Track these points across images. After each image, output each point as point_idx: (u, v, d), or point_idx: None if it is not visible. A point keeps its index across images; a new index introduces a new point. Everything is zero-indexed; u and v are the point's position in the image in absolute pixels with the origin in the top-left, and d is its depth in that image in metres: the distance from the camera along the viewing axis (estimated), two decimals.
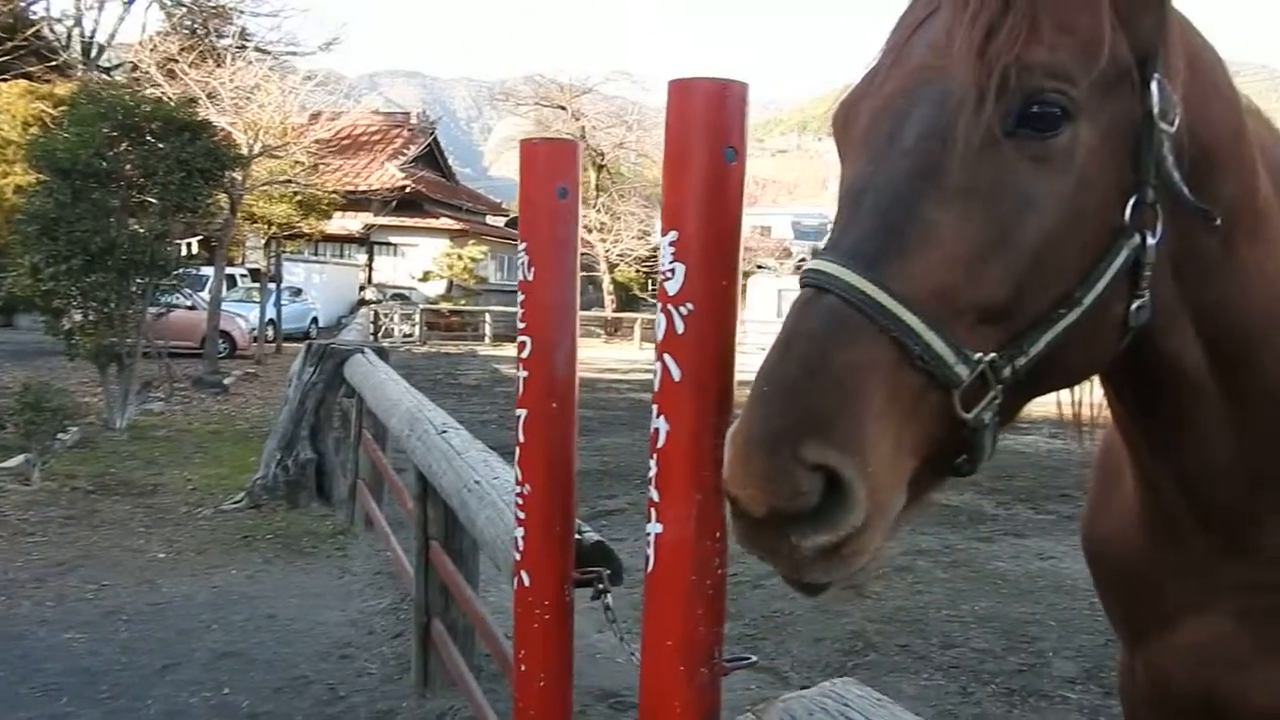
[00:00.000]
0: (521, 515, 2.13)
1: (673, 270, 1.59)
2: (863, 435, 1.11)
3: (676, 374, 1.60)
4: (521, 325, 2.10)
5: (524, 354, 2.09)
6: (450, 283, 37.95)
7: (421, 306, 34.44)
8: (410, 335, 32.21)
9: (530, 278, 2.07)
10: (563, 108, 43.15)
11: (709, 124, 1.57)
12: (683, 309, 1.59)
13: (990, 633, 5.91)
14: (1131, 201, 1.28)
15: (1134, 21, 1.29)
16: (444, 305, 35.69)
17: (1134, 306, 1.31)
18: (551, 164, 2.07)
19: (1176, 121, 1.31)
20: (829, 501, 1.10)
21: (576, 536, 2.26)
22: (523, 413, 2.11)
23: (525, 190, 2.08)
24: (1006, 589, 6.77)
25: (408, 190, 37.90)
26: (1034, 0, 1.24)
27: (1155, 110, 1.28)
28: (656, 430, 1.63)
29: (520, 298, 2.11)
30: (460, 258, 37.95)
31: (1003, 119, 1.21)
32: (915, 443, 1.18)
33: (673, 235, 1.60)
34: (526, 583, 2.13)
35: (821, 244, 1.38)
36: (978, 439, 1.22)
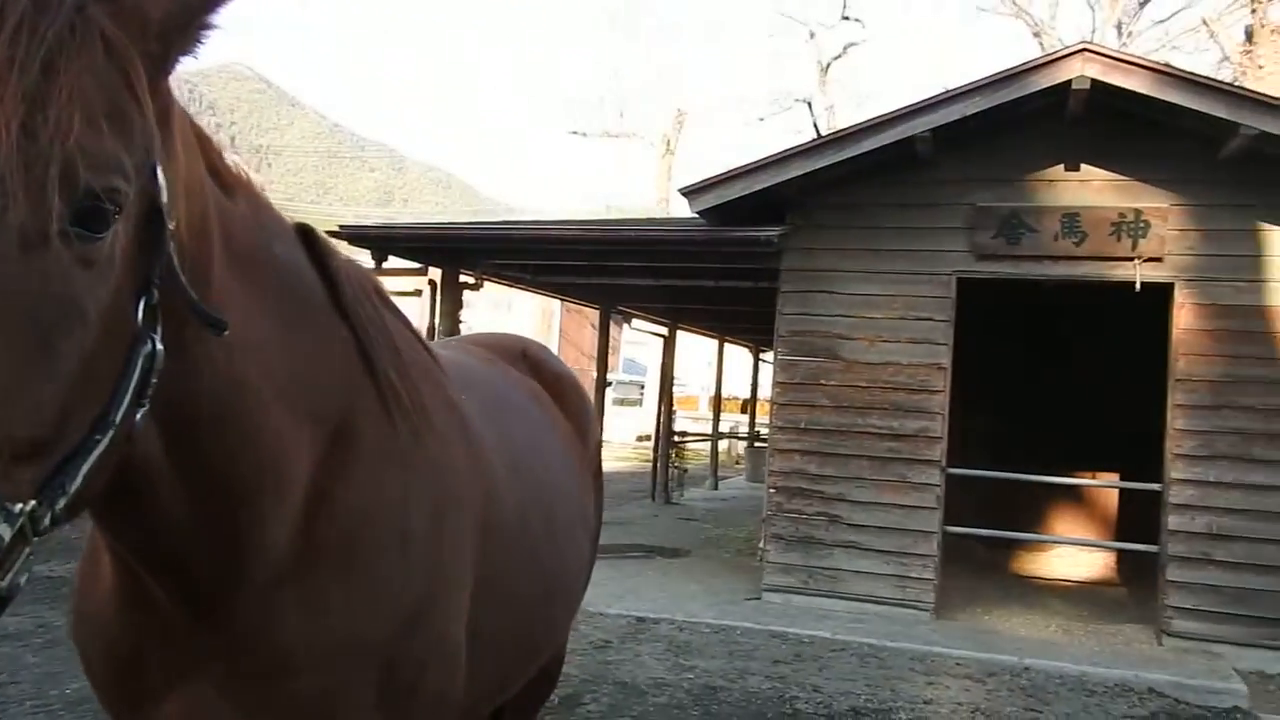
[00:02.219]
0: None
1: None
2: None
3: None
4: None
5: None
6: None
7: None
8: None
9: None
10: None
11: None
12: None
13: (84, 716, 5.37)
14: (142, 304, 1.16)
15: (150, 103, 1.15)
16: None
17: (139, 415, 1.20)
18: None
19: (178, 216, 1.22)
20: None
21: None
22: None
23: None
24: None
25: None
26: (77, 71, 1.03)
27: (163, 203, 1.17)
28: None
29: None
30: None
31: (59, 215, 0.99)
32: None
33: None
34: None
35: None
36: (4, 607, 1.01)
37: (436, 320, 10.29)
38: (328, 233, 9.90)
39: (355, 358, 1.76)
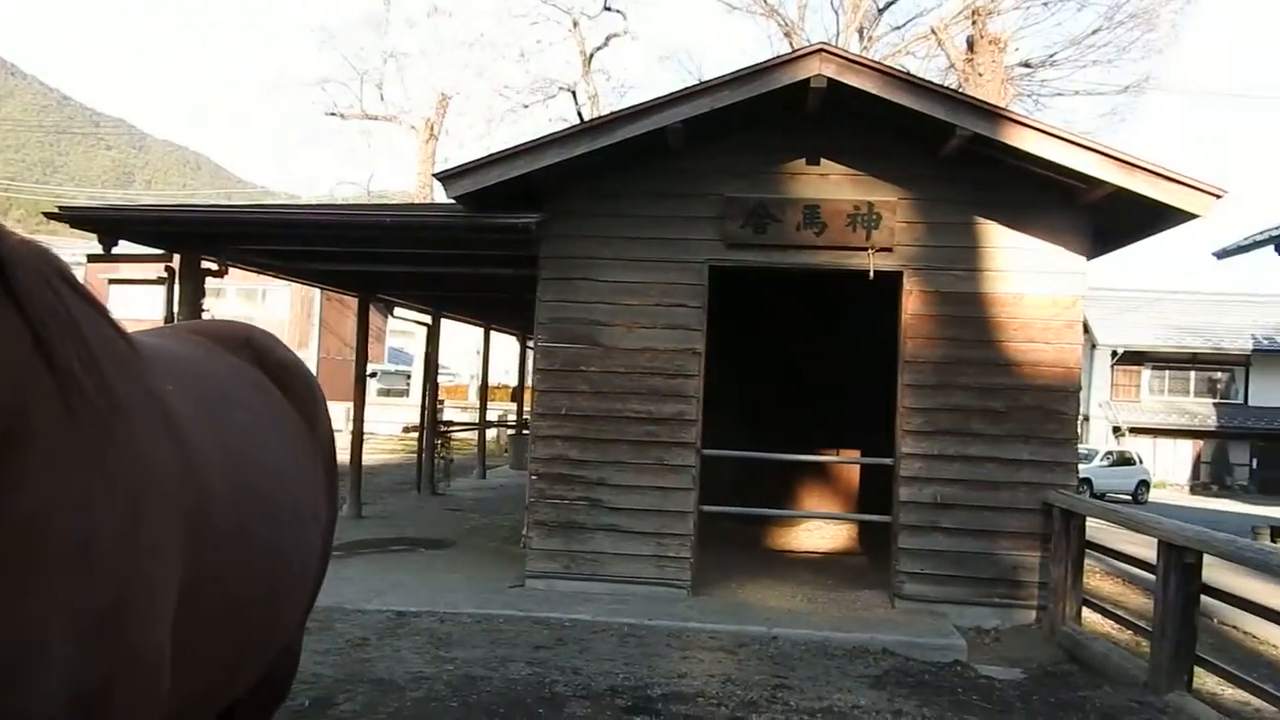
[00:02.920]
0: None
1: None
2: None
3: None
4: None
5: None
6: None
7: None
8: None
9: None
10: None
11: None
12: None
13: None
14: None
15: None
16: None
17: None
18: None
19: None
20: None
21: None
22: None
23: None
24: None
25: None
26: None
27: None
28: None
29: None
30: None
31: None
32: None
33: None
34: None
35: None
36: None
37: (176, 309, 9.63)
38: (46, 215, 9.07)
39: (30, 349, 1.62)
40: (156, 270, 10.14)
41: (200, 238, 9.71)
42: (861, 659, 7.18)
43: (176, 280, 9.77)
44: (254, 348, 2.91)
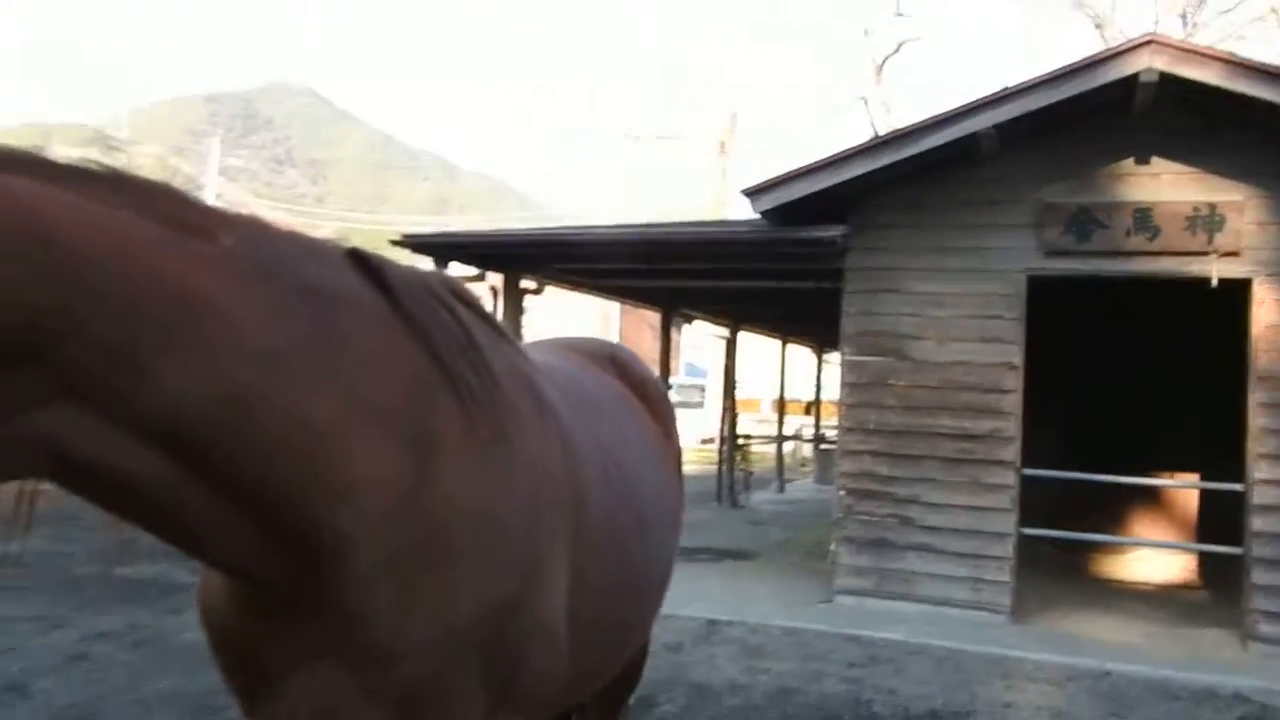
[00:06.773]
0: None
1: None
2: None
3: None
4: None
5: None
6: None
7: None
8: None
9: None
10: None
11: None
12: None
13: (173, 711, 5.52)
14: None
15: None
16: None
17: None
18: None
19: None
20: None
21: None
22: None
23: None
24: (194, 662, 6.41)
25: None
26: None
27: None
28: None
29: None
30: None
31: None
32: None
33: None
34: None
35: None
36: None
37: None
38: (391, 242, 10.07)
39: (426, 362, 1.78)
40: (477, 290, 10.98)
41: (524, 259, 10.42)
42: (1209, 703, 6.54)
43: (500, 298, 10.54)
44: (617, 363, 3.10)
